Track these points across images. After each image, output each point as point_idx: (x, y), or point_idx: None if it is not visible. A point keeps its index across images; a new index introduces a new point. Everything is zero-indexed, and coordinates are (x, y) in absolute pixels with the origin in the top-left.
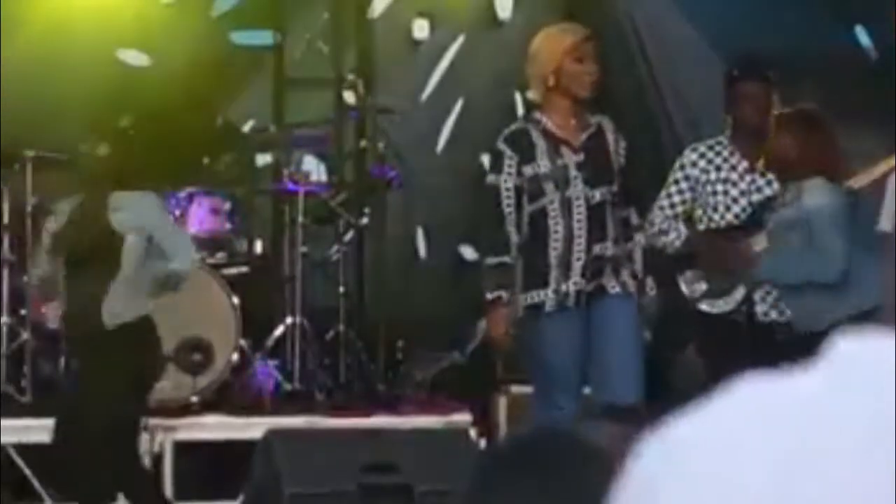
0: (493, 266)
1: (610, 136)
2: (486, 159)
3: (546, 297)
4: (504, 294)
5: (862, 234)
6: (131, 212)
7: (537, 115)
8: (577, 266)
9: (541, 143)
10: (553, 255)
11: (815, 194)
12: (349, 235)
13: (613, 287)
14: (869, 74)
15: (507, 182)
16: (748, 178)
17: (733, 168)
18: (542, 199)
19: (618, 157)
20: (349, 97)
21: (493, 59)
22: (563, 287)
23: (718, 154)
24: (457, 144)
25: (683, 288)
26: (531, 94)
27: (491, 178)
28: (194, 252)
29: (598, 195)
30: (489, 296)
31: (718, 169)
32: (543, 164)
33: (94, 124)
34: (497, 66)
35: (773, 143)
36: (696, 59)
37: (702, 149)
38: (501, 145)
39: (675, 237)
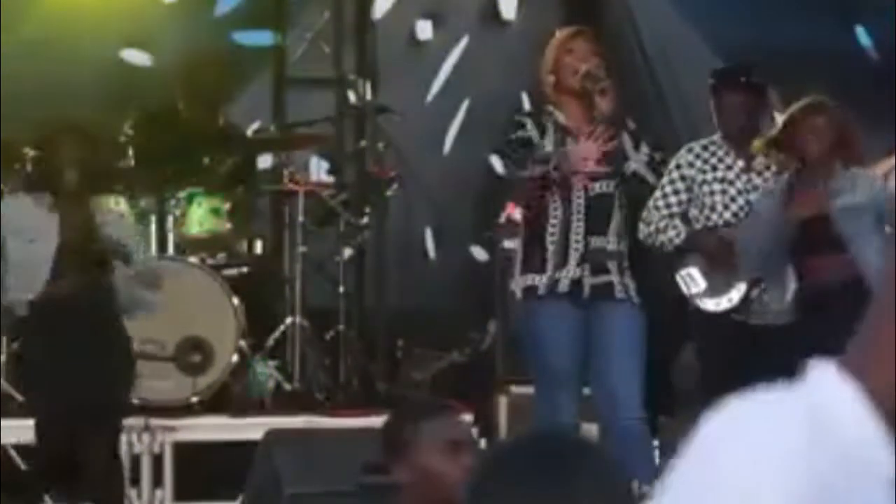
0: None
1: (625, 133)
2: (494, 159)
3: (542, 282)
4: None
5: None
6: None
7: (550, 107)
8: (573, 256)
9: (550, 131)
10: (550, 239)
11: (879, 183)
12: (362, 236)
13: (620, 291)
14: (869, 74)
15: (525, 134)
16: (744, 177)
17: (729, 167)
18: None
19: (633, 154)
20: (351, 97)
21: (497, 59)
22: (557, 274)
23: (714, 154)
24: (464, 145)
25: (682, 286)
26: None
27: (510, 134)
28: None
29: (597, 187)
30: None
31: (714, 168)
32: (549, 144)
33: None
34: (502, 66)
35: (796, 136)
36: (696, 59)
37: (697, 149)
38: (520, 117)
39: (675, 234)
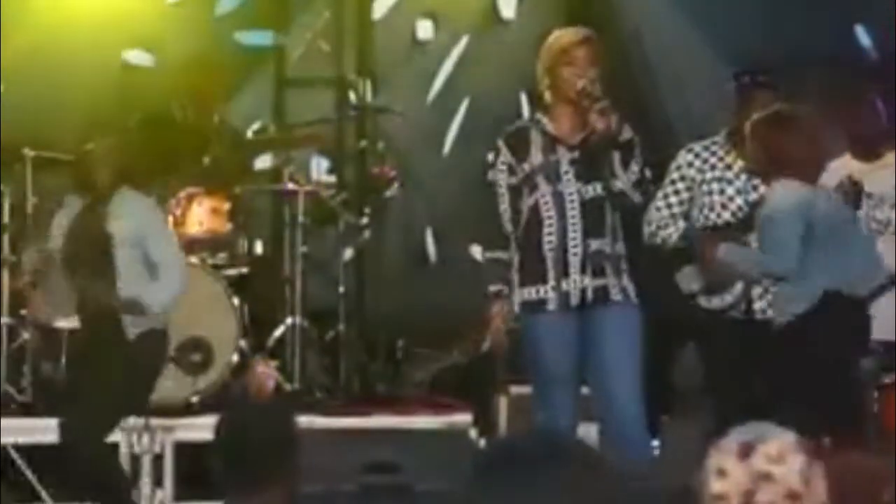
0: (492, 260)
1: (615, 151)
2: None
3: (546, 294)
4: (504, 288)
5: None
6: (131, 221)
7: (539, 114)
8: (574, 262)
9: (537, 140)
10: (547, 247)
11: (774, 195)
12: (362, 236)
13: (616, 294)
14: (869, 74)
15: (500, 178)
16: (744, 177)
17: (728, 167)
18: (536, 193)
19: (621, 174)
20: (351, 97)
21: (497, 58)
22: (564, 285)
23: (714, 154)
24: (464, 145)
25: (681, 284)
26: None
27: (489, 175)
28: (182, 281)
29: (591, 191)
30: (492, 288)
31: (713, 168)
32: (536, 159)
33: (93, 124)
34: (502, 66)
35: (749, 147)
36: (696, 59)
37: (697, 149)
38: (499, 143)
39: (674, 231)
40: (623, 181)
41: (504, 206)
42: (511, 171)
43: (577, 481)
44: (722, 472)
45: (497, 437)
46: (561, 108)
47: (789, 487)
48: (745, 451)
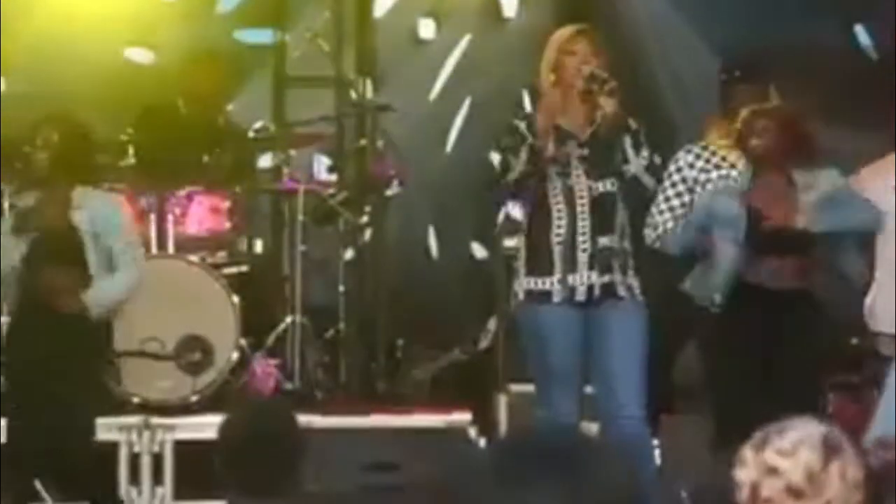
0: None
1: (625, 135)
2: (494, 156)
3: (552, 286)
4: None
5: None
6: (89, 213)
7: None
8: (582, 257)
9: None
10: (556, 240)
11: (833, 176)
12: (362, 235)
13: (623, 290)
14: (869, 74)
15: (521, 151)
16: (748, 176)
17: (733, 166)
18: (545, 183)
19: (633, 157)
20: (352, 95)
21: (499, 56)
22: (571, 280)
23: (714, 154)
24: (466, 143)
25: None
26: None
27: (505, 142)
28: (136, 277)
29: (601, 187)
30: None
31: (718, 168)
32: (546, 150)
33: (48, 118)
34: (503, 64)
35: (753, 141)
36: (695, 58)
37: (696, 150)
38: (516, 122)
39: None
40: (635, 165)
41: (520, 168)
42: (531, 150)
43: (583, 479)
44: (742, 462)
45: (497, 436)
46: (568, 103)
47: (789, 483)
48: (761, 443)
